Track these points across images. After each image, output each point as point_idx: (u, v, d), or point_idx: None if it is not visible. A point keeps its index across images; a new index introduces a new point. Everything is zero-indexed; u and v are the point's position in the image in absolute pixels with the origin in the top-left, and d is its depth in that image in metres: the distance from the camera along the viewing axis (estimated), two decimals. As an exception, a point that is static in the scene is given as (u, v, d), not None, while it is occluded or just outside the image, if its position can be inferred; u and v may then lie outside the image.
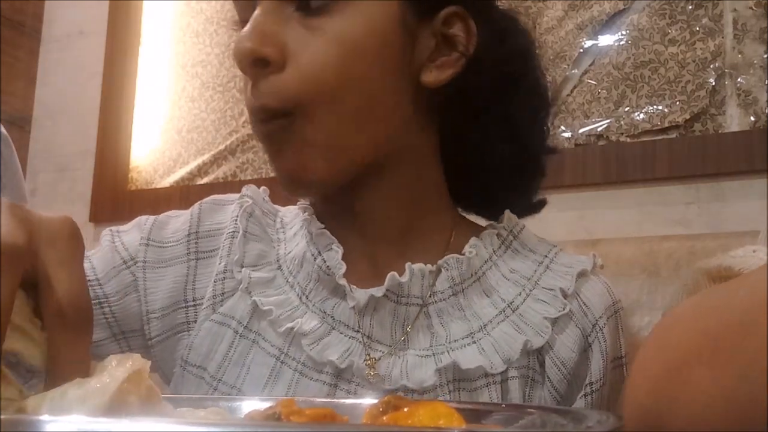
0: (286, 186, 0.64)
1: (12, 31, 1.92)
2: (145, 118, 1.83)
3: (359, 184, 0.65)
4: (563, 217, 1.33)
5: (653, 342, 0.44)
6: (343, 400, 0.51)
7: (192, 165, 1.75)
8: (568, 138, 1.36)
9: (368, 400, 0.40)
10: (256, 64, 0.60)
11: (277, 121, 0.61)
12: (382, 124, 0.63)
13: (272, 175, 1.86)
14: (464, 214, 0.74)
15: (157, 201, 1.74)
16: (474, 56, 0.65)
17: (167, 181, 1.77)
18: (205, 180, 1.74)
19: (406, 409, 0.35)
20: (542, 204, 0.73)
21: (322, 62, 0.59)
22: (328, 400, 0.55)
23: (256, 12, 0.61)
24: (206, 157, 1.74)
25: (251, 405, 0.42)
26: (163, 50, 1.84)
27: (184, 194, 1.73)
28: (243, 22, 0.64)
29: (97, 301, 0.68)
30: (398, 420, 0.34)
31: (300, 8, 0.60)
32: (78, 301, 0.39)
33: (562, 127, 1.37)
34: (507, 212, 0.70)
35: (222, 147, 1.73)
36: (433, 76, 0.64)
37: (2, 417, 0.26)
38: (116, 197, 1.79)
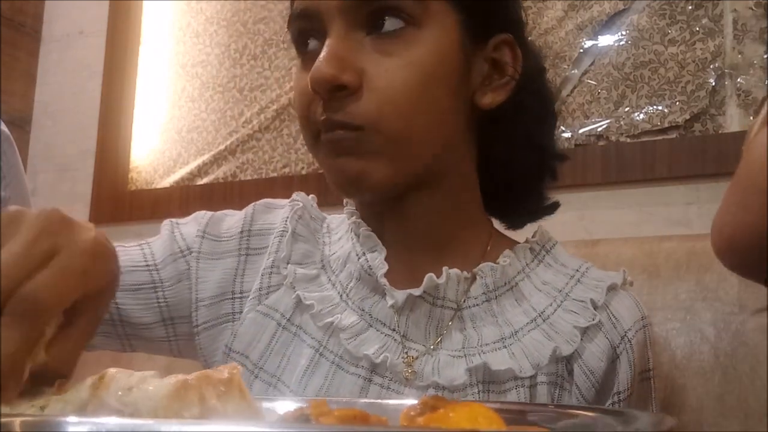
0: (345, 189, 0.68)
1: (12, 31, 1.92)
2: (145, 118, 1.83)
3: (409, 194, 0.68)
4: (563, 217, 1.32)
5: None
6: (386, 401, 0.50)
7: (192, 165, 1.75)
8: (568, 138, 1.36)
9: (411, 401, 0.39)
10: (335, 89, 0.63)
11: (344, 132, 0.64)
12: (441, 140, 0.67)
13: (272, 175, 1.85)
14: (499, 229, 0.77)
15: (157, 201, 1.74)
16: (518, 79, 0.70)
17: (167, 181, 1.77)
18: (205, 180, 1.74)
19: (443, 410, 0.34)
20: (555, 206, 0.77)
21: (397, 86, 0.63)
22: (370, 400, 0.55)
23: (330, 38, 0.64)
24: (206, 157, 1.74)
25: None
26: (163, 50, 1.84)
27: (184, 194, 1.73)
28: (306, 49, 0.67)
29: (152, 285, 0.73)
30: (435, 421, 0.33)
31: (372, 34, 0.64)
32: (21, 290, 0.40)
33: (562, 127, 1.37)
34: (540, 227, 0.74)
35: (222, 147, 1.72)
36: (489, 99, 0.69)
37: (24, 419, 0.27)
38: (116, 197, 1.79)
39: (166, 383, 0.35)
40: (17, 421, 0.27)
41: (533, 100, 0.72)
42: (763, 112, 0.42)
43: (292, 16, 0.68)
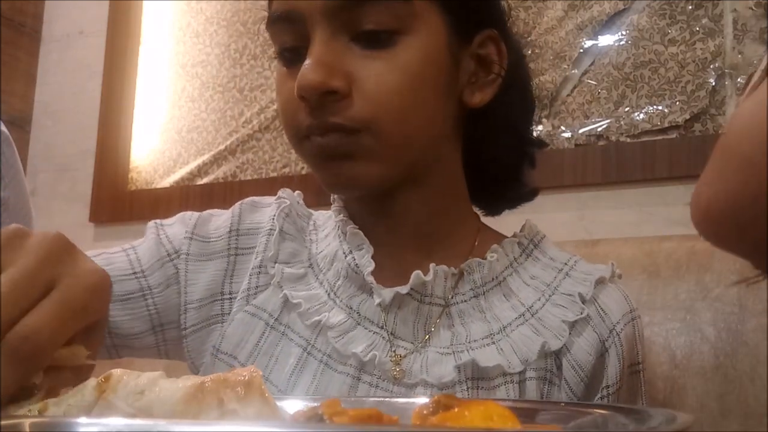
0: (338, 190, 0.69)
1: (12, 31, 1.92)
2: (145, 118, 1.83)
3: (397, 190, 0.68)
4: (563, 217, 1.33)
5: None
6: (395, 399, 0.50)
7: (192, 165, 1.75)
8: (568, 138, 1.36)
9: (421, 399, 0.39)
10: (324, 95, 0.62)
11: (336, 135, 0.63)
12: (431, 139, 0.67)
13: (272, 175, 1.84)
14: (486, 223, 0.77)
15: (157, 201, 1.74)
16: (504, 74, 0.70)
17: (167, 181, 1.77)
18: (205, 180, 1.73)
19: (457, 409, 0.33)
20: (535, 193, 0.77)
21: (387, 89, 0.63)
22: (379, 399, 0.55)
23: (314, 43, 0.63)
24: (206, 157, 1.74)
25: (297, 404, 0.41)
26: (163, 50, 1.84)
27: (184, 194, 1.73)
28: (287, 50, 0.66)
29: (141, 293, 0.72)
30: (448, 420, 0.33)
31: (356, 40, 0.63)
32: None
33: (562, 127, 1.36)
34: (528, 221, 0.74)
35: (222, 147, 1.72)
36: (478, 98, 0.69)
37: (33, 420, 0.26)
38: (116, 197, 1.79)
39: (180, 386, 0.34)
40: (27, 422, 0.26)
41: (517, 93, 0.72)
42: (752, 81, 0.41)
43: (271, 17, 0.66)
